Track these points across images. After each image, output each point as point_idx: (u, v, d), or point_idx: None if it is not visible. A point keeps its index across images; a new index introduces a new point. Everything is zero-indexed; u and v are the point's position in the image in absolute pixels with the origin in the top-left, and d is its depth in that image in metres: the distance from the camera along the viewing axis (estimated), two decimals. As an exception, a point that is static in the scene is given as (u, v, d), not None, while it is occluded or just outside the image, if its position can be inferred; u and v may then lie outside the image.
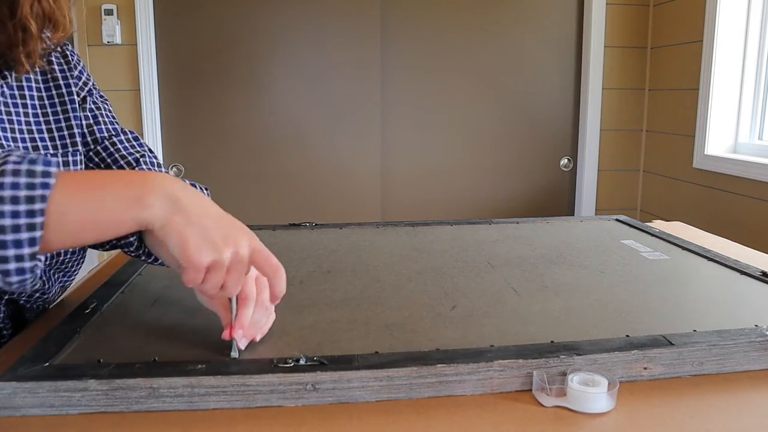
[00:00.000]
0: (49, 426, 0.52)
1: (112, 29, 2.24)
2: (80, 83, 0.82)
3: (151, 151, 0.88)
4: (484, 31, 2.49)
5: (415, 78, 2.49)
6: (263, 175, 2.49)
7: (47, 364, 0.56)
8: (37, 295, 0.77)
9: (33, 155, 0.51)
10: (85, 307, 0.73)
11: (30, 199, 0.49)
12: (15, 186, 0.48)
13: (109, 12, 2.24)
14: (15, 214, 0.48)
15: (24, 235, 0.48)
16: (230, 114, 2.43)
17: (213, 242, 0.54)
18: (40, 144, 0.75)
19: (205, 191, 0.85)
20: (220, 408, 0.54)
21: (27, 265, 0.49)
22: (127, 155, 0.83)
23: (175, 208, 0.54)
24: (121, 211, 0.53)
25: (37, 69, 0.76)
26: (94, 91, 0.85)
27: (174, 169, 2.45)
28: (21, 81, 0.74)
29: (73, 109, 0.79)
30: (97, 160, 0.82)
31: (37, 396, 0.53)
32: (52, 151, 0.76)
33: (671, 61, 2.41)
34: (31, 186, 0.49)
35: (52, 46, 0.75)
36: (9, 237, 0.48)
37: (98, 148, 0.82)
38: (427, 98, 2.51)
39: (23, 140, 0.73)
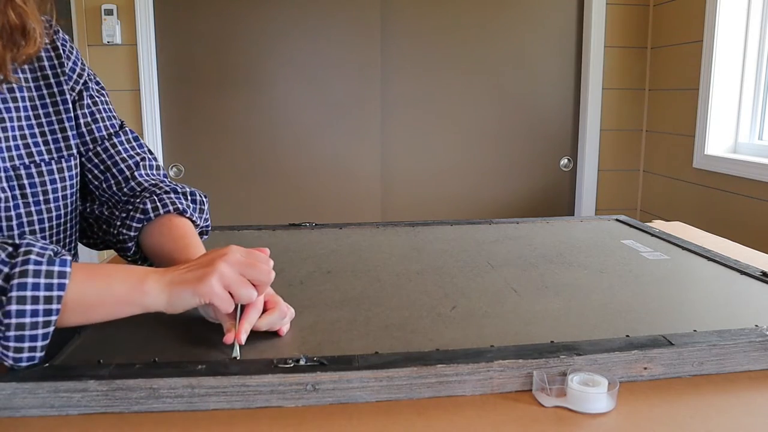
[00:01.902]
0: (49, 426, 0.52)
1: (112, 29, 2.24)
2: (74, 76, 0.78)
3: (150, 152, 0.86)
4: (484, 31, 2.49)
5: (415, 78, 2.49)
6: (263, 175, 2.49)
7: (47, 364, 0.56)
8: None
9: (51, 250, 0.57)
10: (85, 307, 0.73)
11: (48, 300, 0.55)
12: (35, 287, 0.54)
13: (109, 12, 2.24)
14: (34, 313, 0.54)
15: (40, 331, 0.54)
16: (230, 114, 2.43)
17: (206, 271, 0.59)
18: (34, 150, 0.72)
19: (204, 199, 0.85)
20: (220, 408, 0.54)
21: (38, 354, 0.55)
22: (127, 158, 0.82)
23: (167, 284, 0.60)
24: (127, 296, 0.59)
25: (26, 68, 0.73)
26: (90, 83, 0.81)
27: (174, 169, 2.45)
28: (11, 83, 0.71)
29: (66, 110, 0.76)
30: (96, 161, 0.80)
31: (37, 396, 0.53)
32: (47, 157, 0.73)
33: (671, 61, 2.41)
34: (49, 287, 0.55)
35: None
36: (27, 332, 0.54)
37: (98, 148, 0.80)
38: (427, 98, 2.51)
39: (17, 147, 0.71)
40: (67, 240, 0.78)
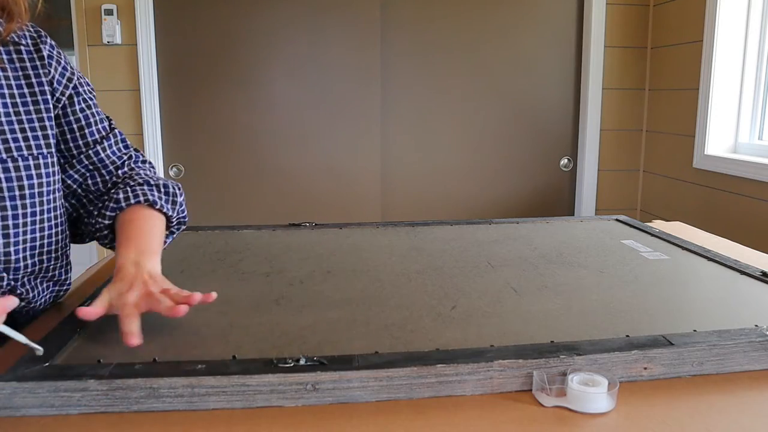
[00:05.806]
0: (49, 426, 0.52)
1: (112, 29, 2.24)
2: (64, 81, 0.80)
3: (137, 150, 0.90)
4: (484, 31, 2.49)
5: (415, 78, 2.49)
6: (263, 175, 2.49)
7: (47, 364, 0.56)
8: (23, 304, 0.77)
9: None
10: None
11: None
12: None
13: (109, 12, 2.24)
14: None
15: None
16: (230, 114, 2.43)
17: None
18: (12, 145, 0.72)
19: (178, 191, 0.87)
20: (220, 408, 0.54)
21: None
22: (116, 159, 0.86)
23: None
24: None
25: (8, 66, 0.73)
26: (80, 87, 0.83)
27: (174, 169, 2.45)
28: None
29: (47, 110, 0.77)
30: (86, 162, 0.83)
31: (37, 396, 0.53)
32: (26, 152, 0.73)
33: (671, 61, 2.41)
34: None
35: (10, 36, 0.71)
36: None
37: (89, 152, 0.83)
38: (427, 98, 2.51)
39: None
40: (46, 240, 0.77)
